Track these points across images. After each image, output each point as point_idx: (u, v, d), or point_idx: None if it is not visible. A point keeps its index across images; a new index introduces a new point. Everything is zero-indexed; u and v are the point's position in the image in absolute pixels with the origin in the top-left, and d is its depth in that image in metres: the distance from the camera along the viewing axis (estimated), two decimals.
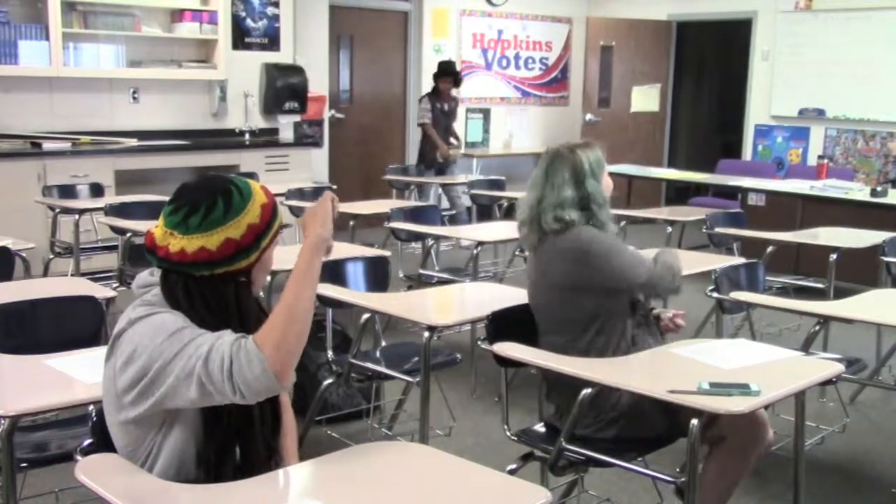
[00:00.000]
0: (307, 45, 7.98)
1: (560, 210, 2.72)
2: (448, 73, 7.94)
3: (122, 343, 1.71)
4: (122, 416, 1.71)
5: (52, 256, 5.43)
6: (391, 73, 9.03)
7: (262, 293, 1.91)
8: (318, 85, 8.03)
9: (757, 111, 9.02)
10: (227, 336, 1.66)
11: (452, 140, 8.08)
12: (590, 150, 2.82)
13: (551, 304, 2.75)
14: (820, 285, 4.82)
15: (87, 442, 1.92)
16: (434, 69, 8.01)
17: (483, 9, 9.45)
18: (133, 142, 6.68)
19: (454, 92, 8.09)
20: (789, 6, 8.59)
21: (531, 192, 2.83)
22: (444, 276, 4.87)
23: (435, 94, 7.92)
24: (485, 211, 6.78)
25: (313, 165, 7.71)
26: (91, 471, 1.73)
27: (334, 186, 6.45)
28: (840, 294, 3.74)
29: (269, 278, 1.92)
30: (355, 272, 3.64)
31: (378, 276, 3.70)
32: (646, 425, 2.61)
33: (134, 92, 6.91)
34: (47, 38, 6.24)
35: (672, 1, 9.65)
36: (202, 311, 1.74)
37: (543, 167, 2.83)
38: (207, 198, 1.75)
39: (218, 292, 1.76)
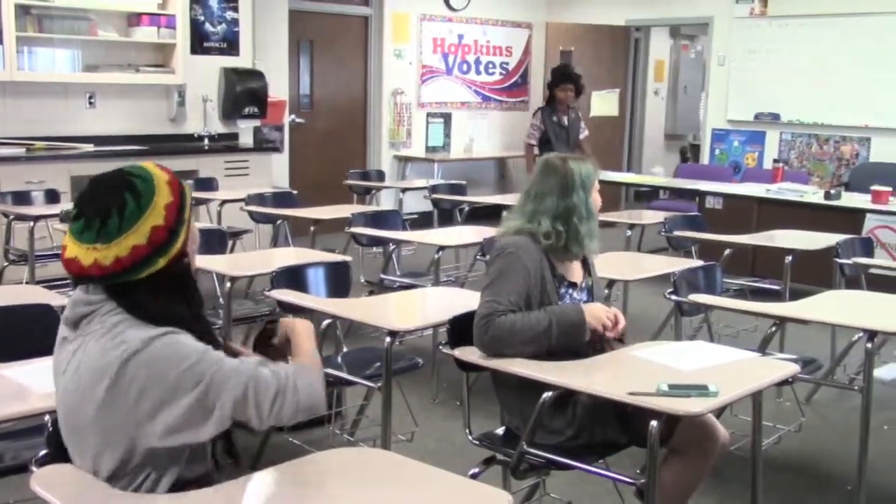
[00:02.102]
0: (267, 50, 7.94)
1: (538, 217, 2.72)
2: (566, 79, 7.10)
3: (130, 374, 1.64)
4: (144, 441, 1.66)
5: (6, 264, 5.34)
6: (352, 78, 9.01)
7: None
8: (277, 90, 7.99)
9: (714, 116, 9.14)
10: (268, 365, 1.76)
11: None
12: (582, 164, 2.78)
13: None
14: (776, 287, 4.89)
15: (42, 453, 1.89)
16: (396, 75, 7.94)
17: (443, 13, 9.48)
18: (89, 147, 6.59)
19: (574, 101, 7.30)
20: (744, 12, 8.73)
21: (521, 197, 2.83)
22: (406, 280, 4.87)
23: (550, 107, 7.21)
24: (446, 215, 6.79)
25: (273, 171, 7.67)
26: (47, 482, 1.70)
27: (294, 191, 6.42)
28: (795, 295, 3.80)
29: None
30: (316, 278, 3.62)
31: (339, 281, 3.69)
32: (606, 428, 2.63)
33: (90, 97, 6.82)
34: (0, 43, 6.13)
35: (630, 6, 9.75)
36: (176, 308, 1.71)
37: (535, 174, 2.82)
38: (114, 198, 1.69)
39: (174, 282, 1.73)
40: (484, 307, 2.59)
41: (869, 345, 3.13)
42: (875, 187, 6.36)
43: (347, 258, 3.98)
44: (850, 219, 6.16)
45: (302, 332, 1.99)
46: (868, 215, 6.20)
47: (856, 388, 3.49)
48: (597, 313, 2.65)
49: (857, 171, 7.86)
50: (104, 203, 1.69)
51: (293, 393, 1.75)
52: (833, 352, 4.61)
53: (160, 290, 1.71)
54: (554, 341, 2.57)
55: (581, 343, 2.63)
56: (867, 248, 4.83)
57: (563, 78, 7.06)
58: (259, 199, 5.89)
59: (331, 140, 8.87)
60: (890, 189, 6.32)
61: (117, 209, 1.68)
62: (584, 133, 7.33)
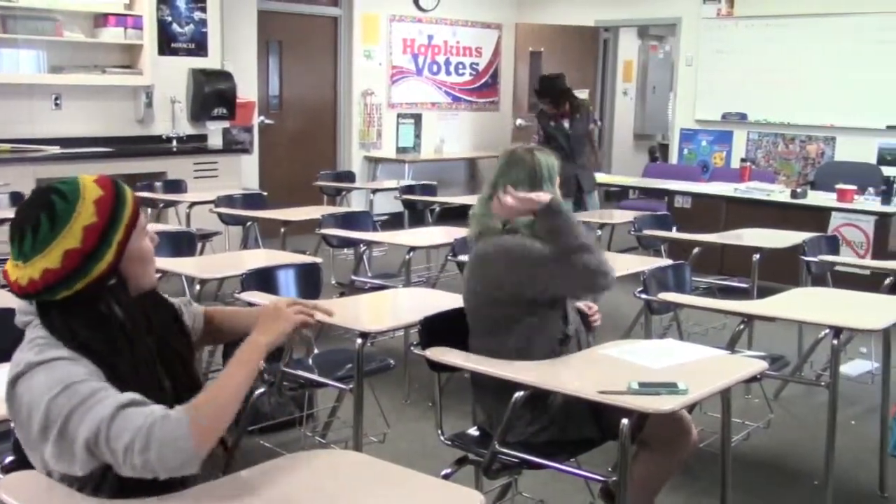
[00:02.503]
0: (235, 51, 7.89)
1: None
2: (539, 94, 7.04)
3: (19, 395, 1.60)
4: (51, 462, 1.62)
5: None
6: (321, 79, 8.98)
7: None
8: (247, 91, 7.95)
9: (682, 115, 9.22)
10: (136, 407, 1.57)
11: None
12: (549, 156, 2.81)
13: (479, 304, 2.76)
14: (744, 285, 4.94)
15: (8, 459, 1.86)
16: (366, 76, 7.94)
17: (413, 14, 9.47)
18: (55, 149, 6.51)
19: (588, 110, 7.14)
20: (712, 13, 8.81)
21: (486, 188, 2.83)
22: (377, 282, 4.86)
23: (545, 114, 7.07)
24: (417, 216, 6.79)
25: (243, 172, 7.62)
26: (13, 489, 1.68)
27: (264, 193, 6.39)
28: (763, 293, 3.84)
29: (155, 271, 1.84)
30: (286, 279, 3.60)
31: (309, 283, 3.67)
32: (578, 426, 2.64)
33: (56, 98, 6.74)
34: None
35: (598, 7, 9.81)
36: (83, 333, 1.63)
37: (500, 165, 2.82)
38: (30, 217, 1.64)
39: (91, 308, 1.67)
40: (568, 282, 2.61)
41: (835, 341, 3.17)
42: (840, 186, 6.45)
43: (318, 260, 3.96)
44: (816, 217, 6.24)
45: (263, 319, 1.85)
46: (833, 213, 6.28)
47: (822, 384, 3.54)
48: None
49: (822, 170, 7.97)
50: (22, 222, 1.65)
51: (142, 449, 1.53)
52: (800, 348, 4.67)
53: (72, 314, 1.65)
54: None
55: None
56: (833, 245, 4.90)
57: (538, 93, 7.04)
58: (228, 200, 5.85)
59: (301, 141, 8.83)
60: (854, 188, 6.42)
61: (31, 230, 1.64)
62: (591, 125, 7.15)
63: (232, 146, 7.73)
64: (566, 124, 6.86)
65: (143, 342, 1.73)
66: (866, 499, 3.45)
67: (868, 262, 5.67)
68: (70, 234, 1.64)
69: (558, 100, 6.91)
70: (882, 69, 7.80)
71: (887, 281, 4.45)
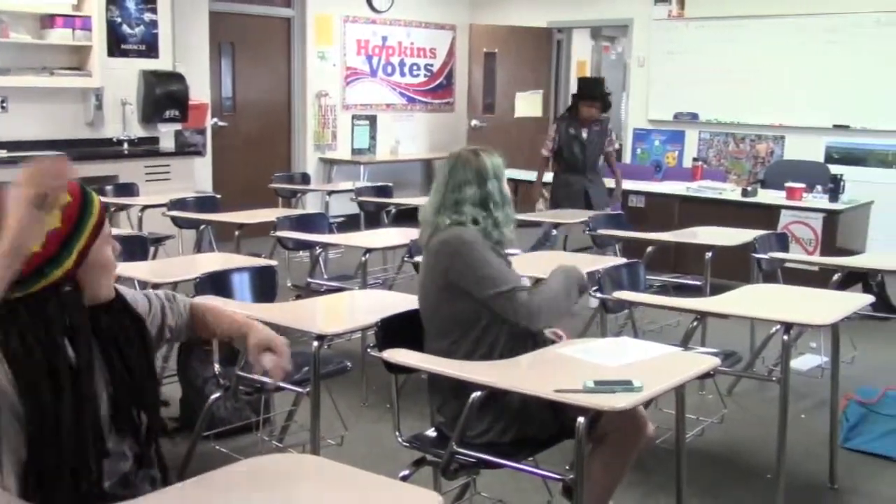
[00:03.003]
0: (187, 52, 7.80)
1: (458, 206, 2.76)
2: (592, 97, 6.44)
3: None
4: None
5: None
6: (275, 81, 8.92)
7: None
8: (199, 92, 7.86)
9: (635, 116, 9.31)
10: None
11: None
12: (493, 156, 2.88)
13: (432, 304, 2.77)
14: (697, 282, 5.01)
15: None
16: (320, 77, 7.87)
17: (367, 15, 9.45)
18: (2, 153, 6.37)
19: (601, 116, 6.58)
20: (663, 14, 8.92)
21: (434, 193, 2.85)
22: (333, 284, 4.84)
23: (571, 118, 6.52)
24: (373, 217, 6.78)
25: (196, 175, 7.54)
26: None
27: (218, 196, 6.33)
28: (716, 290, 3.90)
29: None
30: (241, 283, 3.57)
31: (265, 286, 3.64)
32: (535, 426, 2.66)
33: (2, 101, 6.61)
34: None
35: (551, 8, 9.87)
36: (21, 340, 1.60)
37: (447, 168, 2.85)
38: None
39: (39, 312, 1.64)
40: (510, 287, 2.67)
41: (785, 337, 3.22)
42: (789, 184, 6.57)
43: (273, 262, 3.94)
44: (767, 215, 6.35)
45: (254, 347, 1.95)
46: (783, 211, 6.40)
47: (774, 379, 3.60)
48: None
49: (771, 169, 8.10)
50: None
51: None
52: (752, 344, 4.75)
53: (20, 320, 1.63)
54: (573, 301, 2.84)
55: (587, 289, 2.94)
56: (782, 243, 4.99)
57: (590, 94, 6.41)
58: (181, 203, 5.78)
59: (255, 143, 8.76)
60: (803, 186, 6.55)
61: None
62: (611, 146, 6.67)
63: (184, 149, 7.64)
64: (584, 134, 6.44)
65: (85, 351, 1.70)
66: (817, 491, 3.52)
67: (817, 258, 5.78)
68: None
69: (606, 103, 6.47)
70: (828, 69, 7.95)
71: (835, 277, 4.54)
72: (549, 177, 6.79)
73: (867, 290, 5.67)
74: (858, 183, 7.16)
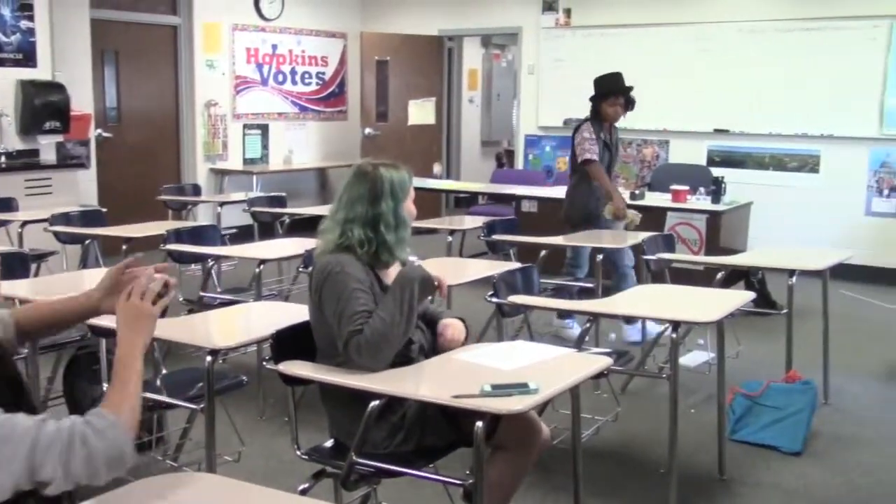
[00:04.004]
0: (68, 61, 7.52)
1: (349, 225, 2.69)
2: (616, 92, 5.68)
3: None
4: None
5: None
6: (162, 90, 8.70)
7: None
8: (81, 103, 7.59)
9: (526, 122, 9.47)
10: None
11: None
12: (394, 171, 2.74)
13: (315, 322, 2.73)
14: (589, 284, 5.13)
15: None
16: (209, 86, 7.70)
17: (256, 23, 9.32)
18: None
19: (622, 119, 5.84)
20: (550, 23, 9.10)
21: (334, 204, 2.80)
22: (227, 297, 4.75)
23: (597, 122, 5.70)
24: (267, 228, 6.68)
25: (80, 188, 7.28)
26: None
27: (103, 209, 6.13)
28: (608, 291, 4.00)
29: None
30: None
31: None
32: (434, 433, 2.66)
33: None
34: None
35: (442, 17, 9.95)
36: None
37: (345, 182, 2.79)
38: None
39: None
40: (347, 337, 2.53)
41: (674, 335, 3.33)
42: (674, 187, 6.81)
43: None
44: (654, 217, 6.55)
45: (126, 319, 1.80)
46: (669, 213, 6.62)
47: (664, 376, 3.71)
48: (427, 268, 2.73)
49: (658, 172, 8.37)
50: None
51: (82, 445, 1.50)
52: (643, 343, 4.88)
53: None
54: (417, 304, 2.60)
55: (433, 292, 2.68)
56: (669, 243, 5.15)
57: (613, 90, 5.69)
58: (64, 218, 5.58)
59: (142, 154, 8.51)
60: (687, 188, 6.79)
61: None
62: (618, 159, 6.10)
63: (67, 161, 7.36)
64: (609, 138, 5.76)
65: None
66: (707, 482, 3.65)
67: (701, 258, 6.00)
68: None
69: (630, 100, 5.75)
70: (705, 76, 8.27)
71: (719, 275, 4.72)
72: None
73: (749, 287, 5.93)
74: (739, 184, 7.49)
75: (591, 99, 5.73)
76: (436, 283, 2.69)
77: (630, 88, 5.69)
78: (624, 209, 5.50)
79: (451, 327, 2.81)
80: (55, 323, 2.01)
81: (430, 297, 2.75)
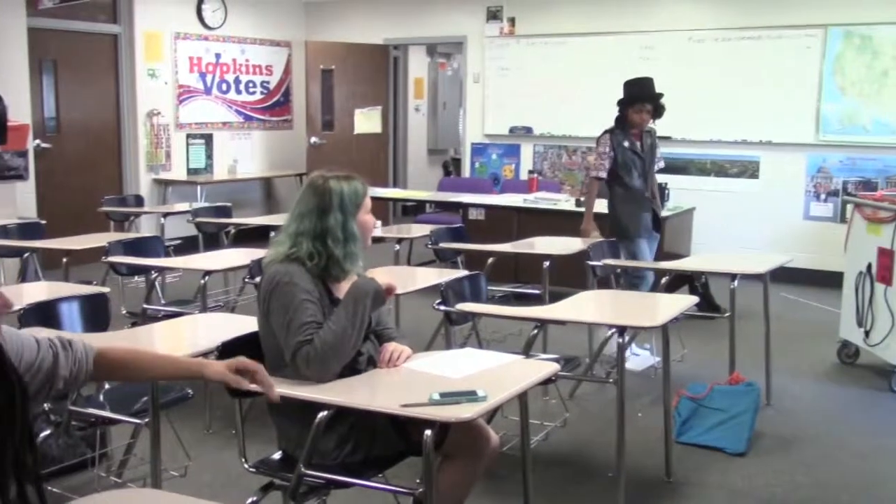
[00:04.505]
0: (4, 70, 7.35)
1: (299, 238, 2.67)
2: (642, 98, 5.39)
3: None
4: None
5: None
6: (103, 100, 8.55)
7: None
8: (18, 113, 7.41)
9: (472, 130, 9.52)
10: None
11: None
12: (346, 183, 2.71)
13: (263, 333, 2.70)
14: (537, 291, 5.16)
15: None
16: (151, 95, 7.58)
17: (199, 32, 9.22)
18: None
19: (651, 124, 5.54)
20: (495, 32, 9.17)
21: (288, 215, 2.77)
22: (171, 309, 4.67)
23: (622, 130, 5.46)
24: (211, 239, 6.60)
25: (18, 200, 7.11)
26: None
27: (43, 221, 5.99)
28: (555, 298, 4.02)
29: None
30: (70, 312, 3.39)
31: (97, 314, 3.48)
32: (384, 442, 2.65)
33: None
34: None
35: (387, 26, 9.95)
36: None
37: (299, 193, 2.77)
38: None
39: None
40: (295, 347, 2.52)
41: (620, 340, 3.37)
42: None
43: (105, 289, 3.76)
44: (599, 223, 6.60)
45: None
46: None
47: (611, 380, 3.75)
48: (376, 277, 2.73)
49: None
50: None
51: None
52: (591, 348, 4.93)
53: None
54: (368, 316, 2.62)
55: (384, 304, 2.71)
56: (615, 249, 5.21)
57: (639, 96, 5.39)
58: (2, 231, 5.47)
59: (82, 165, 8.35)
60: None
61: None
62: (659, 163, 5.67)
63: (4, 173, 7.18)
64: (639, 147, 5.47)
65: None
66: (654, 485, 3.69)
67: (646, 263, 6.07)
68: None
69: (659, 107, 5.45)
70: None
71: (663, 280, 4.79)
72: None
73: (693, 291, 6.03)
74: (681, 191, 7.62)
75: (618, 103, 5.48)
76: (386, 292, 2.70)
77: (660, 95, 5.43)
78: (587, 231, 5.50)
79: (392, 353, 2.74)
80: (144, 376, 2.14)
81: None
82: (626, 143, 5.42)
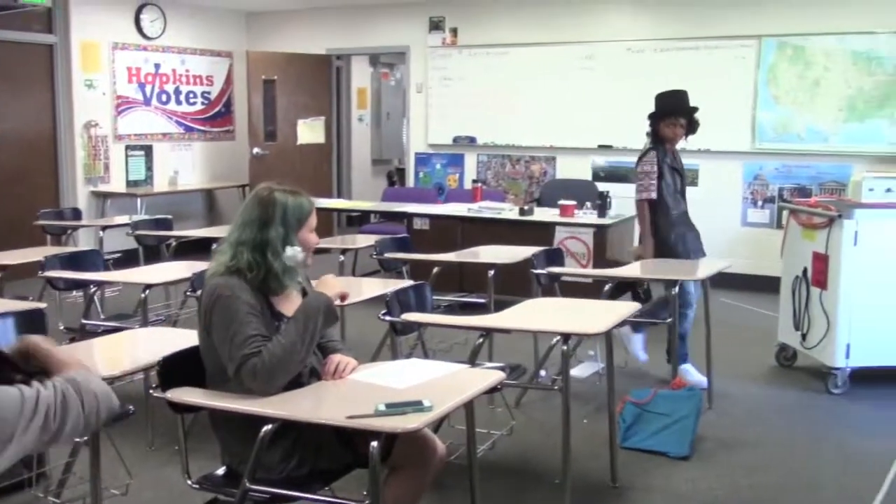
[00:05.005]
0: None
1: (240, 248, 2.64)
2: (676, 112, 5.09)
3: None
4: None
5: None
6: (37, 111, 8.36)
7: None
8: None
9: (416, 140, 9.53)
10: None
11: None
12: (291, 197, 2.68)
13: (203, 347, 2.67)
14: (482, 300, 5.18)
15: None
16: (88, 106, 7.42)
17: (137, 42, 9.08)
18: None
19: (684, 140, 5.25)
20: (437, 42, 9.20)
21: (232, 224, 2.74)
22: (111, 324, 4.58)
23: (659, 145, 5.13)
24: (152, 252, 6.49)
25: None
26: None
27: None
28: (500, 306, 4.03)
29: None
30: (5, 329, 3.31)
31: (33, 330, 3.37)
32: (330, 455, 2.63)
33: None
34: None
35: (329, 36, 9.92)
36: None
37: (244, 202, 2.73)
38: None
39: None
40: (240, 360, 2.48)
41: (564, 347, 3.40)
42: (562, 202, 6.96)
43: (41, 305, 3.68)
44: (543, 232, 6.68)
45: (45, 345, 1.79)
46: (557, 228, 6.76)
47: (556, 388, 3.77)
48: (329, 283, 2.71)
49: (546, 188, 8.53)
50: None
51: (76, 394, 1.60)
52: (536, 356, 4.96)
53: None
54: (319, 333, 2.59)
55: (336, 321, 2.68)
56: (558, 257, 5.25)
57: (672, 110, 5.09)
58: None
59: (17, 178, 8.15)
60: (574, 203, 6.95)
61: None
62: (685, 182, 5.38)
63: None
64: (669, 160, 5.19)
65: None
66: (600, 490, 3.73)
67: (589, 271, 6.14)
68: None
69: (693, 122, 5.17)
70: (587, 93, 8.50)
71: (607, 287, 4.85)
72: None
73: (636, 297, 6.09)
74: (623, 199, 7.69)
75: (649, 117, 5.19)
76: (340, 298, 2.70)
77: (694, 109, 5.13)
78: (645, 256, 5.13)
79: (338, 364, 2.73)
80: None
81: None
82: (668, 161, 5.12)
